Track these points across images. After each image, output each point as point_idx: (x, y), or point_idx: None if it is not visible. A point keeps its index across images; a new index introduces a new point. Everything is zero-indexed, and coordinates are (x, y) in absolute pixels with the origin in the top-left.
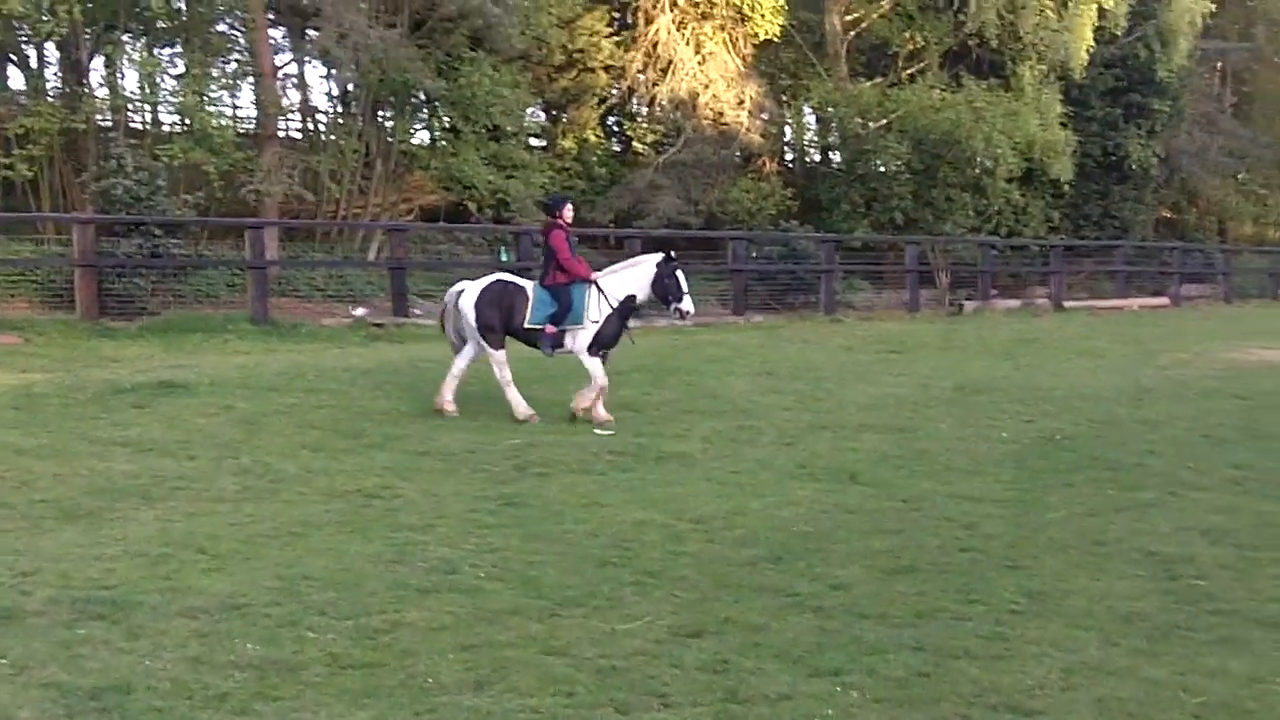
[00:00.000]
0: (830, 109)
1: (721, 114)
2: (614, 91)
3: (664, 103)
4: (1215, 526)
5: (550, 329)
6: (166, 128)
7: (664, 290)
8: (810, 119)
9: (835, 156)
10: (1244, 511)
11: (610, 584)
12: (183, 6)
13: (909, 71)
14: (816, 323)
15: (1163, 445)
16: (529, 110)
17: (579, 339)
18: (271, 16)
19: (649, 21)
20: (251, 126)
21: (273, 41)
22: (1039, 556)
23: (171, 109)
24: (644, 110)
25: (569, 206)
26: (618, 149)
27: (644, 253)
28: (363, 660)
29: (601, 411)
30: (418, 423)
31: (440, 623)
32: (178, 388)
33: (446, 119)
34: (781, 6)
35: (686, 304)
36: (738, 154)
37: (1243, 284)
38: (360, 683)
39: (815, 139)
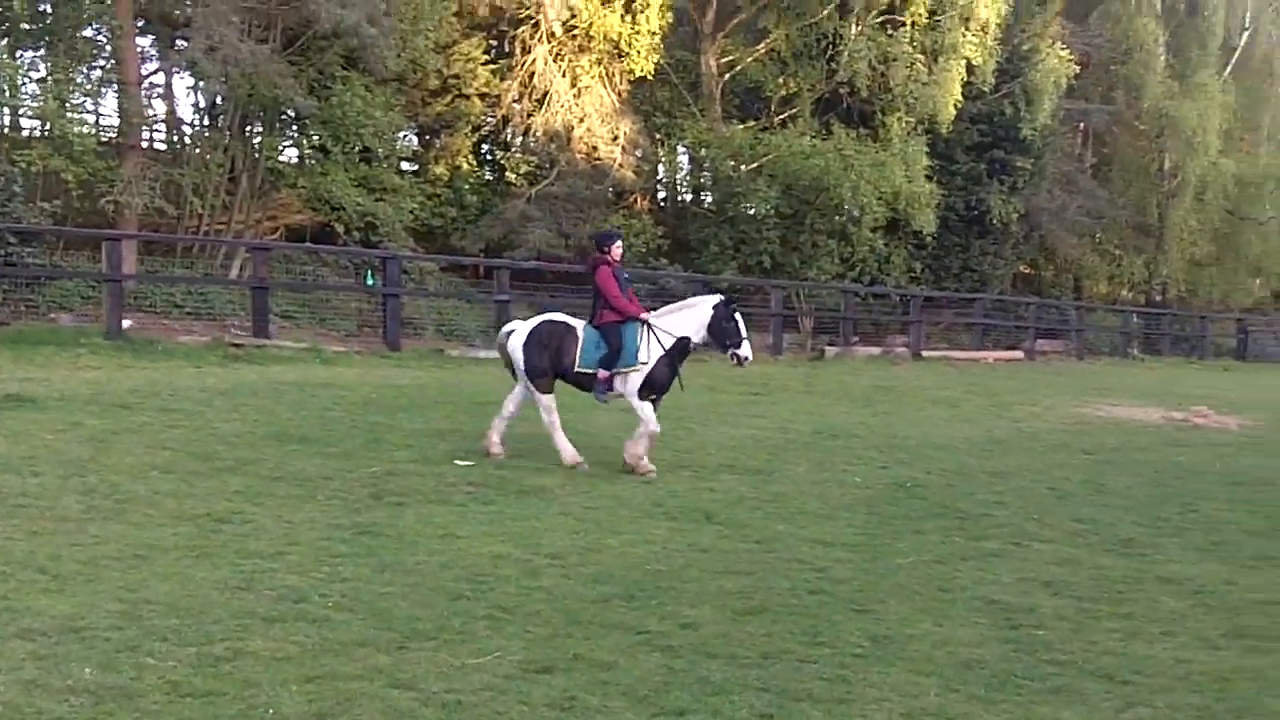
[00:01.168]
0: (703, 150)
1: (596, 148)
2: (489, 119)
3: (539, 134)
4: (1056, 578)
5: (603, 374)
6: (26, 132)
7: (722, 334)
8: (684, 158)
9: (707, 197)
10: (1084, 564)
11: (462, 617)
12: (48, 9)
13: (781, 117)
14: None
15: (1010, 496)
16: (401, 133)
17: (630, 382)
18: (140, 25)
19: (526, 51)
20: (114, 136)
21: (140, 50)
22: (886, 601)
23: (31, 114)
24: (518, 140)
25: (618, 243)
26: (490, 177)
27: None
28: (203, 689)
29: (645, 461)
30: (273, 446)
31: (285, 653)
32: (25, 402)
33: (316, 138)
34: (658, 45)
35: (745, 349)
36: (610, 189)
37: (1095, 341)
38: (199, 712)
39: (688, 179)
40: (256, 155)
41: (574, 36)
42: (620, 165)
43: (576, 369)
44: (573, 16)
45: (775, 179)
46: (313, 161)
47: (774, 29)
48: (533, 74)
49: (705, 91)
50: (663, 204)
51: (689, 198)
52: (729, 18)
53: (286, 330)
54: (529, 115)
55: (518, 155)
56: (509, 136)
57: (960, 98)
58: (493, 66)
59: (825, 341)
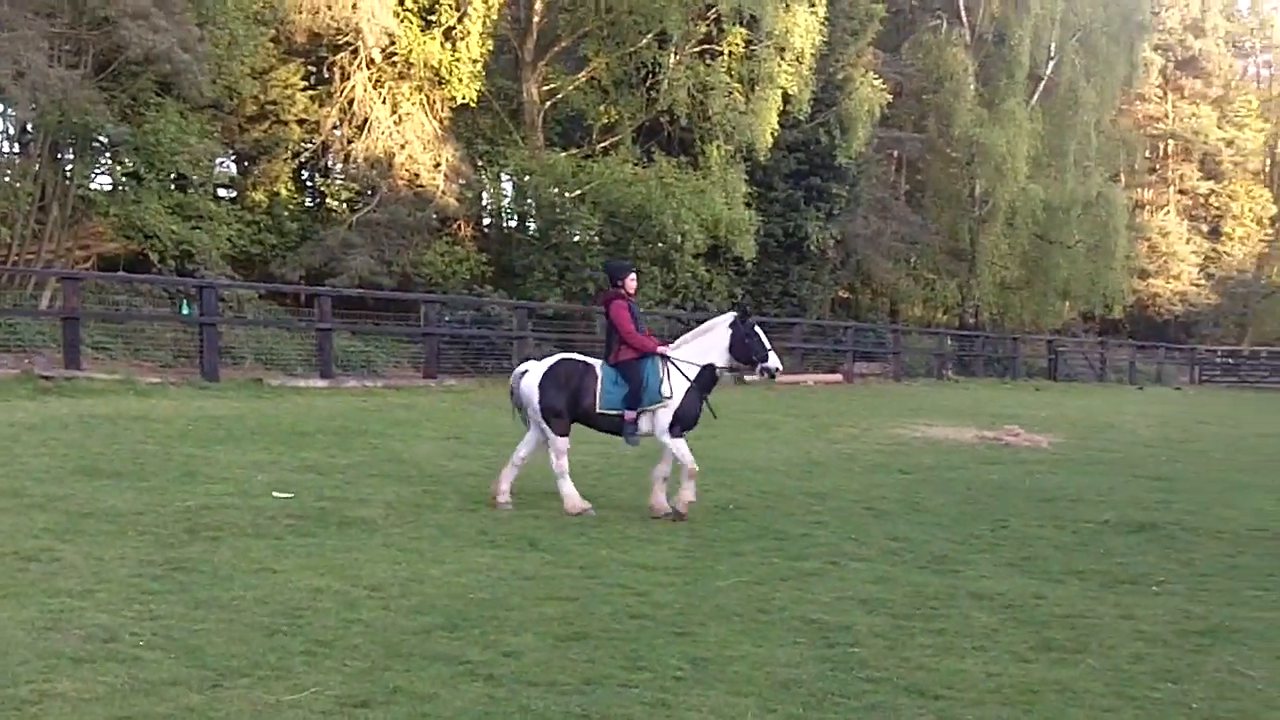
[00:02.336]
0: (526, 177)
1: (418, 175)
2: (308, 146)
3: (359, 160)
4: (872, 596)
5: (629, 415)
6: None
7: (747, 351)
8: (507, 185)
9: (531, 224)
10: (899, 582)
11: (278, 653)
12: None
13: (603, 144)
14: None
15: (828, 516)
16: (218, 160)
17: (659, 420)
18: None
19: (345, 78)
20: None
21: None
22: (706, 624)
23: None
24: (339, 167)
25: (633, 276)
26: (310, 204)
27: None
28: None
29: (663, 500)
30: (83, 481)
31: (93, 693)
32: None
33: (129, 165)
34: (479, 73)
35: (773, 361)
36: (434, 216)
37: (911, 363)
38: None
39: (512, 206)
40: (68, 183)
41: (394, 63)
42: (443, 192)
43: (599, 410)
44: (392, 43)
45: (598, 206)
46: (126, 189)
47: (594, 57)
48: (352, 100)
49: (527, 119)
50: (487, 231)
51: (513, 225)
52: (550, 46)
53: (99, 362)
54: (349, 142)
55: (338, 182)
56: (329, 163)
57: (777, 126)
58: (311, 92)
59: None
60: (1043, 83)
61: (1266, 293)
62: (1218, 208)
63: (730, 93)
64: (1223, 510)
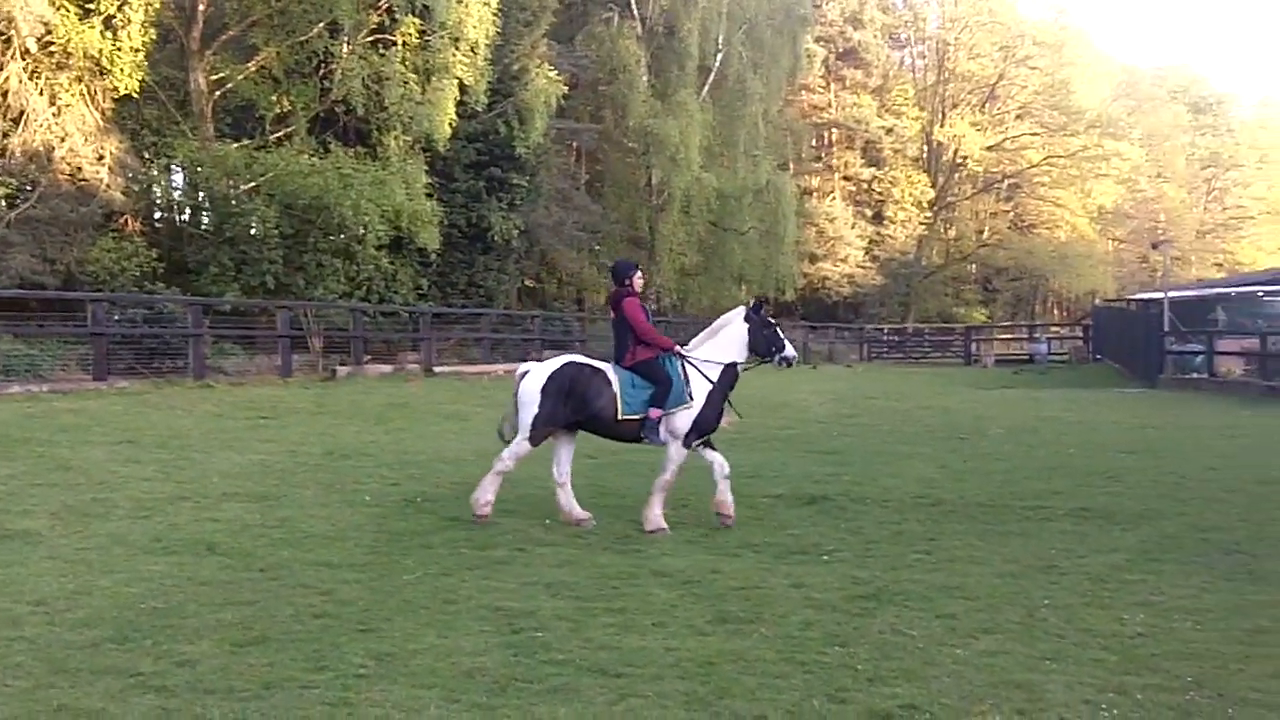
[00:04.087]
0: (198, 169)
1: (80, 169)
2: None
3: (17, 155)
4: (557, 580)
5: (656, 413)
6: None
7: (765, 344)
8: (178, 178)
9: (205, 218)
10: (584, 564)
11: None
12: None
13: (277, 135)
14: (185, 389)
15: (517, 504)
16: None
17: (676, 424)
18: None
19: None
20: None
21: None
22: (391, 619)
23: None
24: None
25: (639, 273)
26: None
27: None
28: None
29: (658, 514)
30: None
31: None
32: None
33: None
34: (143, 62)
35: (790, 350)
36: (99, 211)
37: (599, 350)
38: None
39: (183, 199)
40: None
41: (51, 53)
42: (108, 186)
43: (621, 418)
44: (48, 32)
45: (274, 198)
46: None
47: (264, 46)
48: (6, 93)
49: (196, 109)
50: (158, 226)
51: (186, 219)
52: (217, 34)
53: None
54: (5, 135)
55: None
56: None
57: (455, 117)
58: None
59: (337, 361)
60: (712, 74)
61: (927, 273)
62: (880, 193)
63: (406, 83)
64: (888, 480)
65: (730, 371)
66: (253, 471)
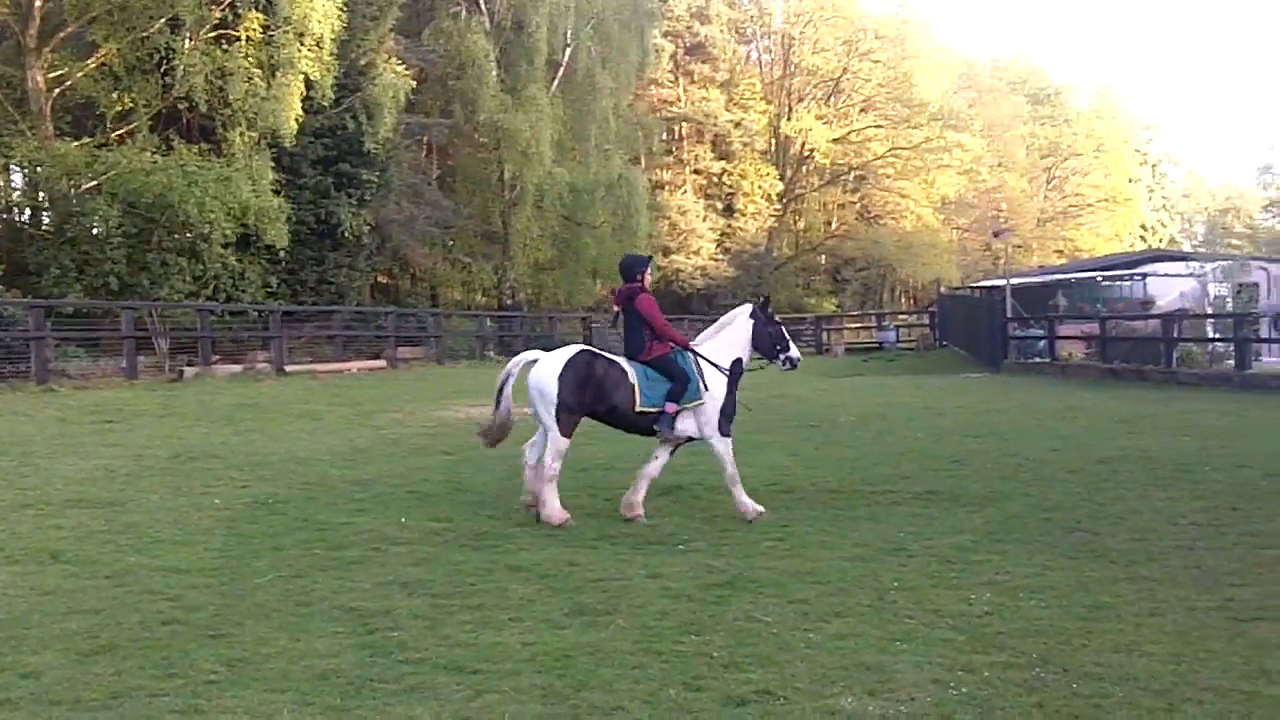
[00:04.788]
0: (37, 169)
1: None
2: None
3: None
4: (413, 578)
5: (671, 407)
6: None
7: (770, 343)
8: (16, 178)
9: (45, 218)
10: (440, 562)
11: None
12: None
13: (119, 133)
14: (28, 393)
15: (371, 503)
16: None
17: (706, 418)
18: None
19: None
20: None
21: None
22: (242, 623)
23: None
24: None
25: (649, 269)
26: None
27: None
28: None
29: (746, 501)
30: None
31: None
32: None
33: None
34: None
35: (795, 351)
36: None
37: (454, 346)
38: None
39: (22, 199)
40: None
41: None
42: None
43: (639, 409)
44: None
45: (116, 197)
46: None
47: (104, 43)
48: None
49: (34, 108)
50: None
51: (26, 219)
52: (55, 31)
53: None
54: None
55: None
56: None
57: (302, 112)
58: None
59: (184, 362)
60: (562, 69)
61: (777, 264)
62: (730, 186)
63: (251, 78)
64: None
65: (736, 366)
66: (97, 477)
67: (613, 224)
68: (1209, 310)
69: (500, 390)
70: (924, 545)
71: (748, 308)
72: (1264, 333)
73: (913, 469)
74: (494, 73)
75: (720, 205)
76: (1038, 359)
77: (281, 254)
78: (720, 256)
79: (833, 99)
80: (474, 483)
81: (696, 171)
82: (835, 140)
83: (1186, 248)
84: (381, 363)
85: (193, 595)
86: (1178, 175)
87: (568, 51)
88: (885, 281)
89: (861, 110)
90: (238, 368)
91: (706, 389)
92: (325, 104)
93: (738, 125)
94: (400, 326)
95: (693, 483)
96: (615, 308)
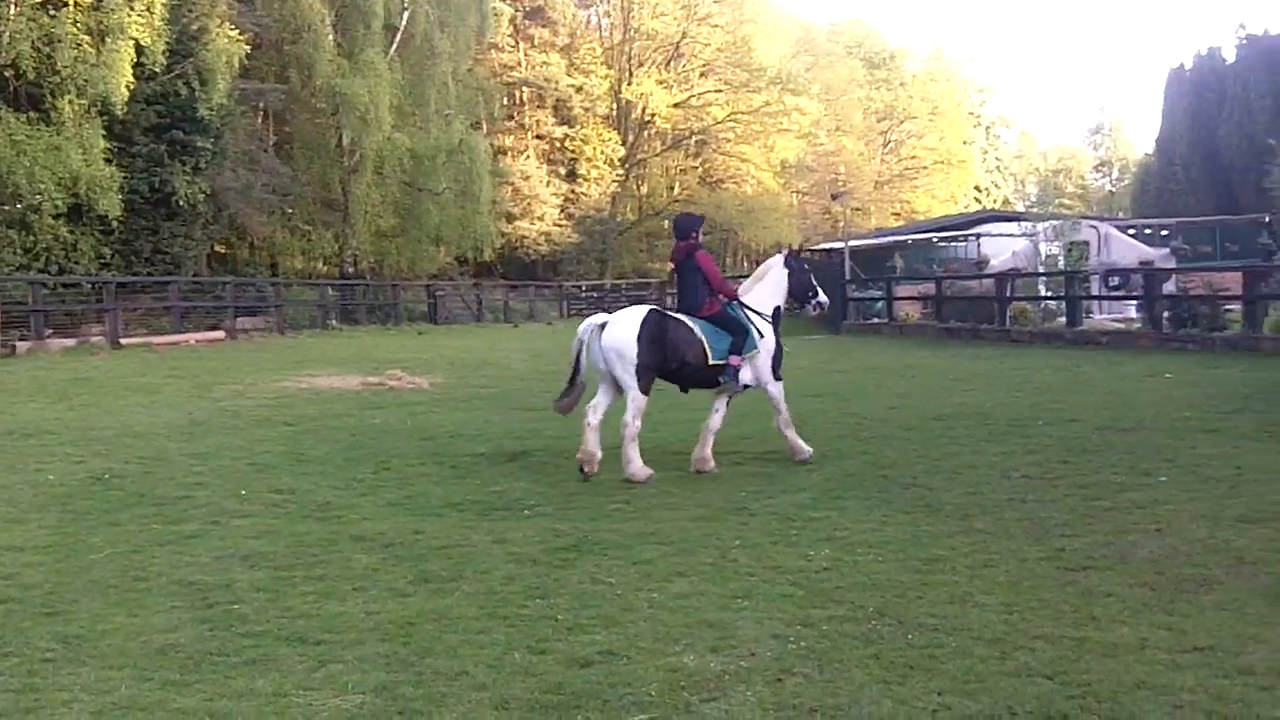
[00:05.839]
0: None
1: None
2: None
3: None
4: (254, 551)
5: (736, 360)
6: None
7: (803, 289)
8: None
9: None
10: (282, 534)
11: None
12: None
13: None
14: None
15: (210, 476)
16: None
17: (760, 368)
18: None
19: None
20: None
21: None
22: (79, 600)
23: None
24: None
25: (702, 227)
26: None
27: None
28: None
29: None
30: None
31: None
32: None
33: None
34: None
35: (824, 296)
36: None
37: (295, 315)
38: None
39: None
40: None
41: None
42: None
43: (711, 363)
44: None
45: None
46: None
47: None
48: None
49: None
50: None
51: None
52: None
53: None
54: None
55: None
56: None
57: (133, 79)
58: None
59: (16, 337)
60: (399, 33)
61: (621, 229)
62: (573, 151)
63: (79, 45)
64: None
65: (777, 313)
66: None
67: (455, 190)
68: (1041, 269)
69: (577, 357)
70: (765, 504)
71: (780, 257)
72: (1094, 290)
73: (754, 430)
74: (330, 37)
75: (563, 171)
76: (876, 320)
77: (115, 224)
78: (564, 222)
79: (673, 63)
80: (316, 453)
81: (539, 137)
82: (676, 105)
83: (1019, 208)
84: (220, 334)
85: (27, 573)
86: (1011, 137)
87: (405, 15)
88: (728, 245)
89: (701, 75)
90: (72, 341)
91: (762, 337)
92: (157, 70)
93: (579, 90)
94: (239, 296)
95: (539, 448)
96: (670, 265)
